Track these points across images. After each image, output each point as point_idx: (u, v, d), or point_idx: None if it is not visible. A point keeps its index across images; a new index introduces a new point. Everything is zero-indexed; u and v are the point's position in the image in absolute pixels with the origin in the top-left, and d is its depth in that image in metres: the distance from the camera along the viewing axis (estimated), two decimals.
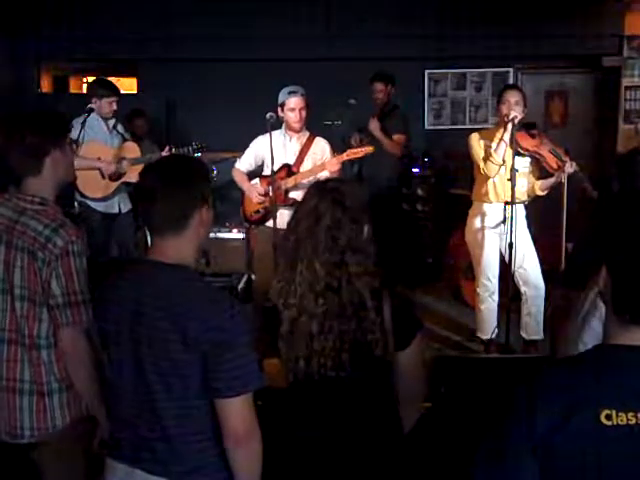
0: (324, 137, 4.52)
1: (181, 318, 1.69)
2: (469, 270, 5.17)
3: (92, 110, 4.76)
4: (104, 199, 4.91)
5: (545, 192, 4.53)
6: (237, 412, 1.71)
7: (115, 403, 1.88)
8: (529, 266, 4.49)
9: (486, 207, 4.55)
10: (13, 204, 2.21)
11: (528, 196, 4.55)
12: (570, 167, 4.32)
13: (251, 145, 4.54)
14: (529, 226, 4.60)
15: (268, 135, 4.22)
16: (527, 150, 4.43)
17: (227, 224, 5.91)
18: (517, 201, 4.26)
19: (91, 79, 6.32)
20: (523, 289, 4.54)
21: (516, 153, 4.22)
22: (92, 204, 4.88)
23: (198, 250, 1.90)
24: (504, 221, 4.36)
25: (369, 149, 4.43)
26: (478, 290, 4.66)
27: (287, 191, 4.40)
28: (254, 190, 4.51)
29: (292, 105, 4.29)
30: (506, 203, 4.29)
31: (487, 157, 4.39)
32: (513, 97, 4.37)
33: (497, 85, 6.65)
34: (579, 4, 6.62)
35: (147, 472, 1.78)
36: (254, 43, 6.58)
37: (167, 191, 1.76)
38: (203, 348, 1.67)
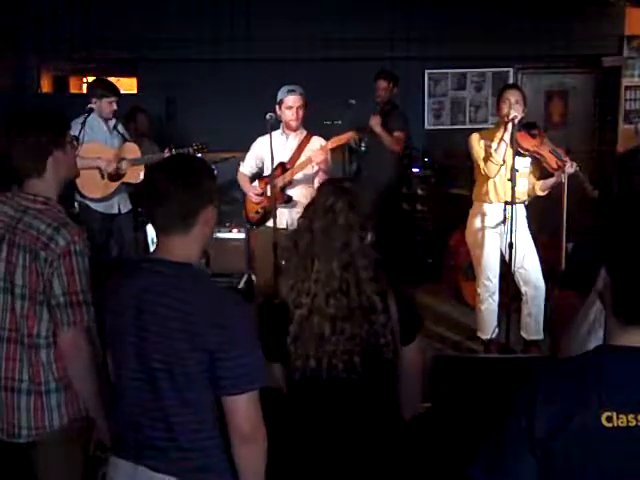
0: (324, 137, 4.52)
1: (187, 316, 1.70)
2: (469, 270, 5.17)
3: (92, 110, 4.75)
4: (103, 199, 4.90)
5: (545, 192, 4.52)
6: (243, 409, 1.72)
7: (119, 401, 1.89)
8: (529, 266, 4.49)
9: (486, 207, 4.55)
10: (15, 203, 2.21)
11: (528, 196, 4.55)
12: (570, 167, 4.32)
13: (251, 147, 4.60)
14: (529, 226, 4.60)
15: (267, 136, 4.25)
16: (527, 150, 4.43)
17: (227, 224, 5.92)
18: (517, 201, 4.26)
19: (91, 79, 6.32)
20: (523, 289, 4.54)
21: (516, 153, 4.22)
22: (91, 204, 4.87)
23: (203, 249, 1.91)
24: (504, 221, 4.36)
25: (350, 134, 4.42)
26: (478, 290, 4.66)
27: (283, 189, 4.41)
28: (252, 191, 4.57)
29: (290, 103, 4.34)
30: (506, 203, 4.29)
31: (487, 157, 4.39)
32: (513, 96, 4.37)
33: (497, 85, 6.65)
34: (579, 4, 6.62)
35: (152, 469, 1.78)
36: (254, 43, 6.58)
37: (174, 190, 1.77)
38: (209, 346, 1.68)
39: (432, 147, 6.97)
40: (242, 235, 5.94)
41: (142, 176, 4.90)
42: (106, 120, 4.90)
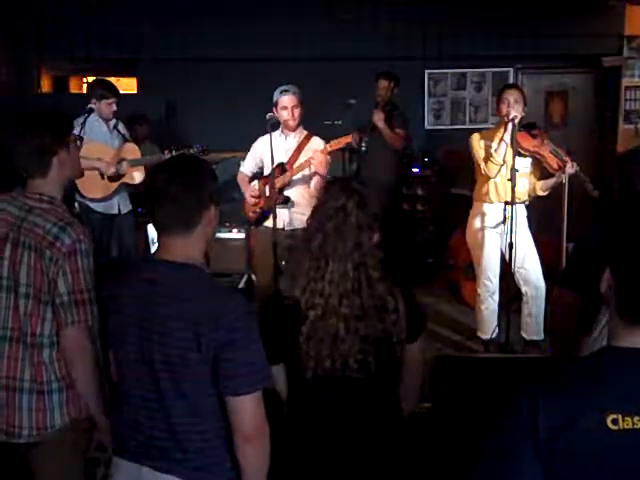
0: (324, 137, 4.52)
1: (192, 317, 1.70)
2: (469, 270, 5.17)
3: (92, 110, 4.75)
4: (103, 200, 4.89)
5: (546, 192, 4.53)
6: (247, 410, 1.72)
7: (122, 401, 1.89)
8: (530, 266, 4.48)
9: (487, 207, 4.55)
10: (20, 202, 2.21)
11: (529, 196, 4.55)
12: (571, 168, 4.32)
13: (252, 148, 4.61)
14: (530, 226, 4.60)
15: (267, 136, 4.24)
16: (528, 150, 4.43)
17: (227, 224, 5.91)
18: (518, 201, 4.26)
19: (91, 79, 6.32)
20: (524, 289, 4.54)
21: (517, 153, 4.22)
22: (91, 204, 4.87)
23: (205, 249, 1.91)
24: (504, 221, 4.36)
25: (350, 137, 4.42)
26: (479, 290, 4.66)
27: (281, 189, 4.41)
28: (249, 191, 4.58)
29: (284, 103, 4.34)
30: (507, 203, 4.29)
31: (488, 157, 4.39)
32: (512, 96, 4.36)
33: (497, 85, 6.63)
34: (579, 4, 6.62)
35: (155, 469, 1.78)
36: (254, 43, 6.57)
37: (177, 191, 1.77)
38: (214, 347, 1.68)
39: (432, 147, 6.97)
40: (242, 235, 5.93)
41: (142, 177, 4.91)
42: (106, 120, 4.90)
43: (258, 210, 4.58)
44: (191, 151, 4.99)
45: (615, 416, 1.21)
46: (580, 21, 6.72)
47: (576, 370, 1.32)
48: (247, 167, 4.66)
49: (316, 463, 2.02)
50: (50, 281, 2.12)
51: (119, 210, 4.99)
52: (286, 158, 4.44)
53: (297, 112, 4.37)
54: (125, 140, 5.03)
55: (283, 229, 4.34)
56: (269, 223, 4.36)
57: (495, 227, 4.52)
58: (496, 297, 4.61)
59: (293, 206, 4.39)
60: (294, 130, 4.45)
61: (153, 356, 1.74)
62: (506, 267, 4.44)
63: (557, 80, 7.31)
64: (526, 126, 4.48)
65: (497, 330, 4.58)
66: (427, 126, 7.29)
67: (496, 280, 4.59)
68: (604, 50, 6.93)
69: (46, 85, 7.56)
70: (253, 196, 4.54)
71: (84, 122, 4.63)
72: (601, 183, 4.31)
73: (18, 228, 2.16)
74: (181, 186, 1.78)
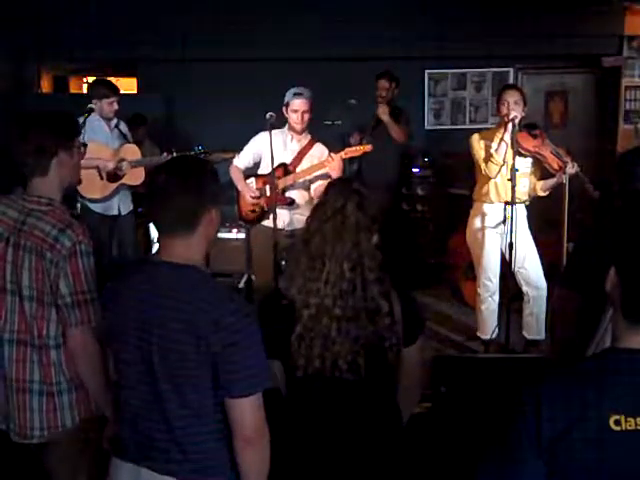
0: (324, 137, 4.51)
1: (192, 318, 1.69)
2: (469, 270, 5.17)
3: (92, 110, 4.75)
4: (102, 200, 4.89)
5: (546, 192, 4.53)
6: (247, 412, 1.72)
7: (121, 402, 1.88)
8: (530, 266, 4.49)
9: (487, 207, 4.55)
10: (19, 206, 2.22)
11: (529, 196, 4.55)
12: (572, 168, 4.32)
13: (251, 141, 4.49)
14: (530, 226, 4.60)
15: (268, 133, 4.20)
16: (528, 150, 4.43)
17: (227, 224, 5.91)
18: (518, 201, 4.27)
19: (91, 79, 6.32)
20: (525, 289, 4.55)
21: (517, 153, 4.22)
22: (90, 205, 4.86)
23: (207, 250, 1.90)
24: (505, 221, 4.36)
25: (367, 147, 4.44)
26: (479, 290, 4.66)
27: (284, 190, 4.39)
28: (248, 191, 4.50)
29: (295, 107, 4.29)
30: (507, 203, 4.29)
31: (488, 158, 4.39)
32: (512, 97, 4.36)
33: (497, 85, 6.65)
34: (579, 4, 6.61)
35: (154, 471, 1.78)
36: (254, 43, 6.57)
37: (179, 192, 1.77)
38: (214, 349, 1.68)
39: (432, 147, 6.96)
40: (242, 235, 5.93)
41: (142, 178, 4.90)
42: (107, 120, 4.90)
43: (257, 209, 4.54)
44: (191, 153, 4.98)
45: (618, 417, 1.22)
46: (580, 21, 6.72)
47: (578, 371, 1.32)
48: (242, 161, 4.52)
49: (307, 460, 2.02)
50: (52, 283, 2.13)
51: (119, 211, 4.99)
52: (289, 159, 4.41)
53: (306, 117, 4.31)
54: (126, 140, 5.02)
55: (283, 229, 4.33)
56: (268, 223, 4.35)
57: (495, 227, 4.52)
58: (496, 297, 4.62)
59: (294, 207, 4.39)
60: (300, 134, 4.41)
61: (153, 357, 1.74)
62: (506, 267, 4.44)
63: (557, 80, 7.31)
64: (526, 126, 4.48)
65: (497, 330, 4.58)
66: (427, 126, 7.29)
67: (496, 280, 4.59)
68: (604, 50, 6.92)
69: (46, 85, 7.56)
70: (253, 196, 4.51)
71: (84, 122, 4.62)
72: (601, 183, 4.31)
73: (18, 231, 2.17)
74: (182, 187, 1.78)
